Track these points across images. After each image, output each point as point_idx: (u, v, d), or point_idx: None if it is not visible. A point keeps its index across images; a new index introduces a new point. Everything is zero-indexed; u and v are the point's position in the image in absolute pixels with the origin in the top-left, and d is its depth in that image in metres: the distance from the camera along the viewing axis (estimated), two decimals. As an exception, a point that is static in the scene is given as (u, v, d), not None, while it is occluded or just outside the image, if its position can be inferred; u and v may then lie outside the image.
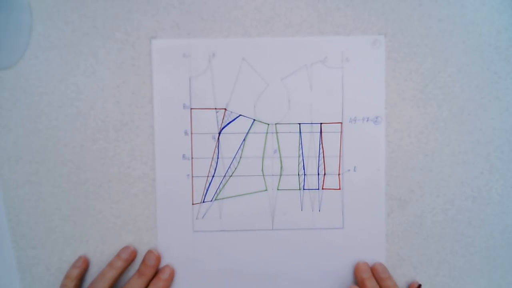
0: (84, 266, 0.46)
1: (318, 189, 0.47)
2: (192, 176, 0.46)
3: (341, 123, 0.46)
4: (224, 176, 0.47)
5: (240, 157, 0.46)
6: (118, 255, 0.46)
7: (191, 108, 0.46)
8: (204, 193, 0.47)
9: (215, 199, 0.47)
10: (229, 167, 0.46)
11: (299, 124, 0.46)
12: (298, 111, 0.46)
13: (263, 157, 0.47)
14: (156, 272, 0.46)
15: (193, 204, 0.47)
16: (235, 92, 0.46)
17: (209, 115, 0.46)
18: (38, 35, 0.45)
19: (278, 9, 0.46)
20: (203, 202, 0.47)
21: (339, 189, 0.47)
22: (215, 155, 0.46)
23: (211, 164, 0.46)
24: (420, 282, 0.47)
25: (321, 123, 0.46)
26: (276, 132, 0.46)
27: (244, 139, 0.46)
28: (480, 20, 0.46)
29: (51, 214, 0.47)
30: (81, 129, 0.46)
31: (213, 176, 0.47)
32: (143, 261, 0.46)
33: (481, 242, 0.48)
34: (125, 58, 0.46)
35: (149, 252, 0.46)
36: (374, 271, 0.46)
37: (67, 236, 0.47)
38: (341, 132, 0.46)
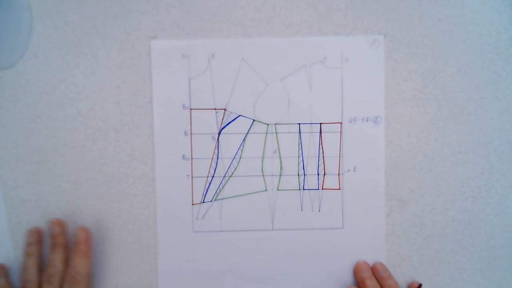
0: (3, 273, 0.45)
1: (318, 189, 0.47)
2: (192, 177, 0.46)
3: (340, 123, 0.46)
4: (224, 176, 0.47)
5: (240, 157, 0.46)
6: (28, 242, 0.45)
7: (190, 109, 0.46)
8: (204, 194, 0.47)
9: (215, 200, 0.47)
10: (229, 167, 0.47)
11: (299, 124, 0.46)
12: (298, 111, 0.46)
13: (263, 157, 0.47)
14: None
15: (193, 204, 0.47)
16: (234, 93, 0.46)
17: (209, 116, 0.46)
18: (38, 35, 0.45)
19: (278, 9, 0.46)
20: (203, 202, 0.47)
21: (339, 189, 0.47)
22: (215, 155, 0.46)
23: (211, 165, 0.46)
24: (420, 282, 0.47)
25: (320, 123, 0.46)
26: (276, 132, 0.46)
27: (243, 140, 0.46)
28: (480, 20, 0.46)
29: (51, 214, 0.47)
30: (81, 129, 0.46)
31: (213, 177, 0.47)
32: (50, 234, 0.45)
33: (481, 242, 0.48)
34: (125, 58, 0.46)
35: (51, 223, 0.45)
36: (374, 270, 0.46)
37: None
38: (340, 132, 0.46)
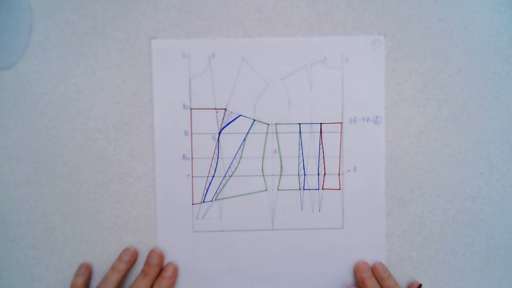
0: (87, 273, 0.46)
1: (318, 189, 0.47)
2: (192, 176, 0.46)
3: (341, 123, 0.46)
4: (224, 176, 0.47)
5: (240, 157, 0.46)
6: (119, 258, 0.46)
7: (191, 108, 0.46)
8: (204, 193, 0.47)
9: (215, 199, 0.47)
10: (229, 167, 0.46)
11: (299, 124, 0.46)
12: (298, 111, 0.46)
13: (263, 157, 0.47)
14: (160, 271, 0.46)
15: (193, 204, 0.47)
16: (235, 92, 0.46)
17: (209, 115, 0.46)
18: (38, 35, 0.45)
19: (278, 9, 0.46)
20: (203, 202, 0.47)
21: (339, 189, 0.47)
22: (215, 155, 0.46)
23: (211, 164, 0.46)
24: (420, 282, 0.47)
25: (321, 123, 0.46)
26: (276, 132, 0.46)
27: (244, 139, 0.46)
28: (480, 20, 0.46)
29: (51, 214, 0.47)
30: (81, 129, 0.46)
31: (213, 176, 0.47)
32: (147, 260, 0.46)
33: (481, 242, 0.48)
34: (125, 58, 0.46)
35: (152, 251, 0.46)
36: (374, 270, 0.46)
37: (67, 236, 0.47)
38: (341, 132, 0.46)
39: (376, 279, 0.46)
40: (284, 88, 0.46)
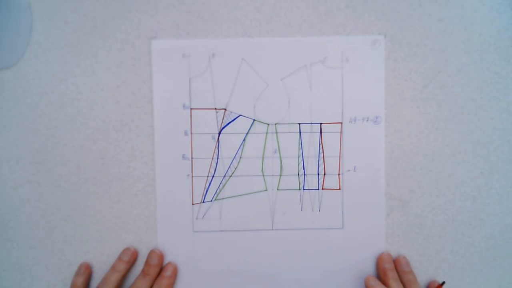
0: (87, 273, 0.46)
1: (318, 189, 0.47)
2: (192, 176, 0.46)
3: (341, 123, 0.46)
4: (224, 176, 0.47)
5: (240, 157, 0.46)
6: (119, 258, 0.46)
7: (191, 108, 0.46)
8: (204, 193, 0.47)
9: (215, 199, 0.47)
10: (229, 167, 0.47)
11: (299, 124, 0.46)
12: (298, 111, 0.46)
13: (263, 157, 0.47)
14: (160, 271, 0.46)
15: (193, 204, 0.47)
16: (235, 92, 0.46)
17: (209, 115, 0.46)
18: (38, 35, 0.45)
19: (278, 9, 0.46)
20: (203, 202, 0.47)
21: (339, 189, 0.47)
22: (215, 155, 0.46)
23: (211, 164, 0.46)
24: (438, 281, 0.47)
25: (321, 123, 0.46)
26: (276, 132, 0.46)
27: (244, 139, 0.46)
28: (480, 20, 0.46)
29: (51, 214, 0.47)
30: (81, 129, 0.46)
31: (213, 176, 0.47)
32: (147, 260, 0.46)
33: (481, 242, 0.48)
34: (125, 58, 0.46)
35: (152, 251, 0.46)
36: (397, 263, 0.46)
37: (67, 236, 0.47)
38: (341, 132, 0.46)
39: (397, 271, 0.46)
40: (284, 88, 0.46)
